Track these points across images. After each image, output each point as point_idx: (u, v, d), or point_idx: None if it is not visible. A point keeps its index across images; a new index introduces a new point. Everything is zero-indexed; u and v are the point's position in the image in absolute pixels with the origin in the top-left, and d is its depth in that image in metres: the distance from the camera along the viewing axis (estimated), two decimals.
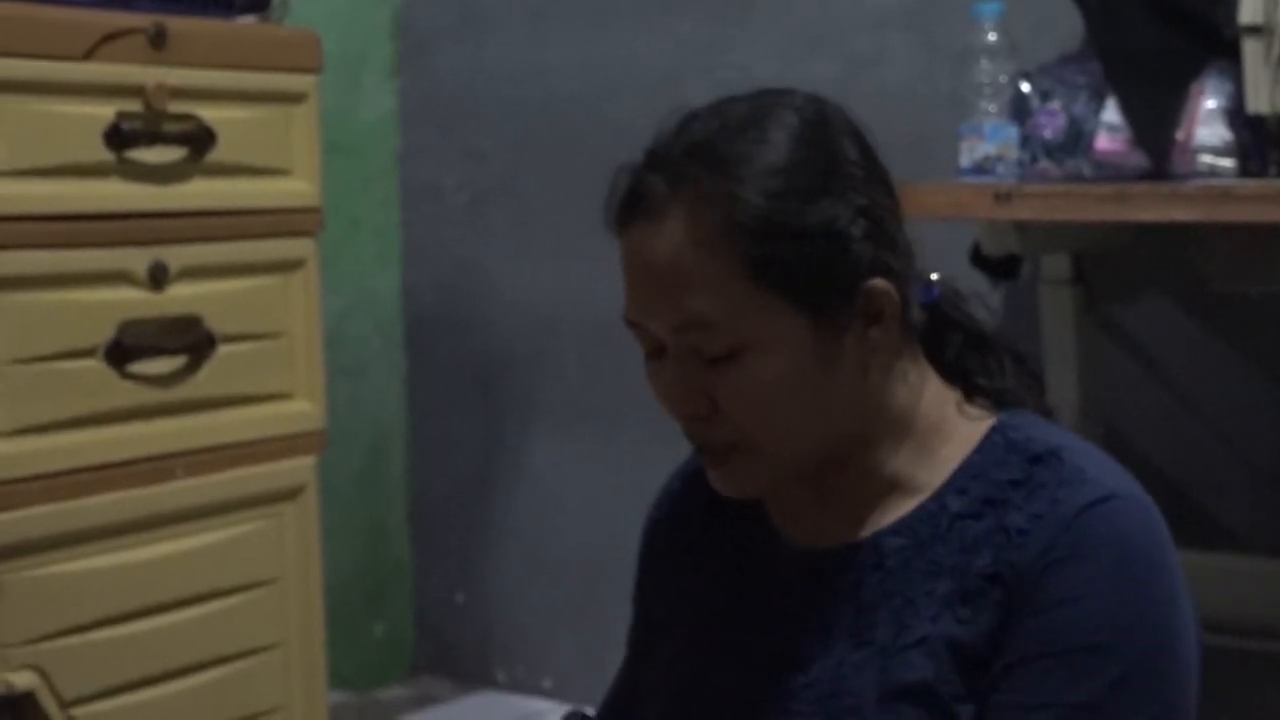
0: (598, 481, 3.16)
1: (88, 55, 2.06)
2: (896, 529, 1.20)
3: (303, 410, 2.33)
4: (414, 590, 3.42)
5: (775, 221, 1.14)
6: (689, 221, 1.14)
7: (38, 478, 2.01)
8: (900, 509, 1.21)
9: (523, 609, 3.29)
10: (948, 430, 1.22)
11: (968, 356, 1.27)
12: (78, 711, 2.04)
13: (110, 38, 2.08)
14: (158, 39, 2.12)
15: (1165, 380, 2.56)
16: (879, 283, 1.17)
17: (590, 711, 1.40)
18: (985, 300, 1.32)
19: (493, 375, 3.30)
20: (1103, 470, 1.18)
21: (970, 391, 1.26)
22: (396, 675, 3.38)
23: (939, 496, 1.20)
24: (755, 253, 1.13)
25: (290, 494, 2.31)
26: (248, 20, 2.34)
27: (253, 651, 2.27)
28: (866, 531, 1.22)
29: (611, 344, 3.09)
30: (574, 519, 3.21)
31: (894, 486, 1.22)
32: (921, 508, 1.20)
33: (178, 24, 2.15)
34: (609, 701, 1.42)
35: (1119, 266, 2.50)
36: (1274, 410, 2.48)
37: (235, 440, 2.24)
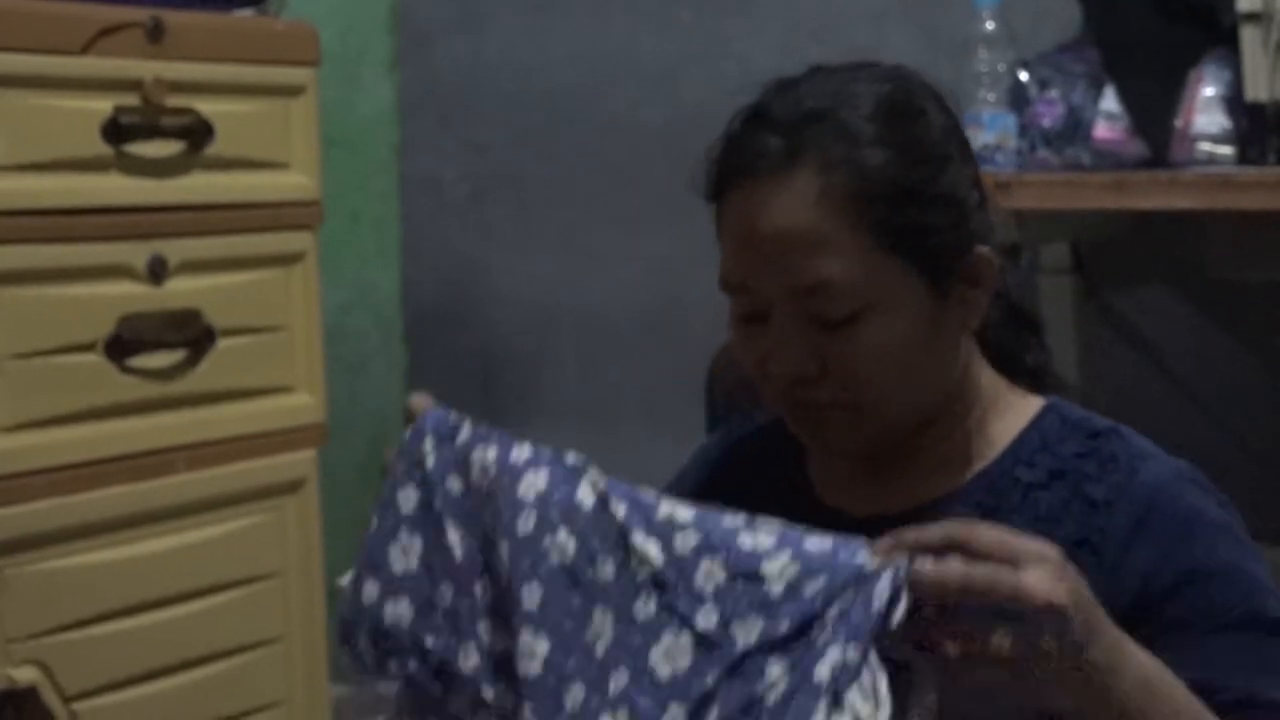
0: None
1: (85, 49, 2.06)
2: (957, 496, 1.22)
3: (303, 404, 2.33)
4: None
5: (906, 188, 1.15)
6: (819, 185, 1.14)
7: (38, 472, 2.01)
8: (955, 480, 1.23)
9: None
10: (1002, 406, 1.25)
11: (1005, 333, 1.30)
12: (80, 706, 2.04)
13: (107, 31, 2.08)
14: (155, 33, 2.12)
15: (1164, 368, 2.56)
16: (986, 250, 1.20)
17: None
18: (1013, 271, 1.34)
19: (493, 369, 3.30)
20: (1159, 450, 1.22)
21: (1008, 371, 1.29)
22: None
23: (1002, 465, 1.22)
24: (885, 218, 1.14)
25: (291, 487, 2.32)
26: (245, 14, 2.34)
27: (254, 645, 2.27)
28: (921, 500, 1.23)
29: (612, 338, 3.10)
30: None
31: (949, 458, 1.24)
32: (983, 475, 1.22)
33: (175, 18, 2.15)
34: None
35: (1118, 255, 2.50)
36: (1274, 397, 2.48)
37: (236, 434, 2.24)
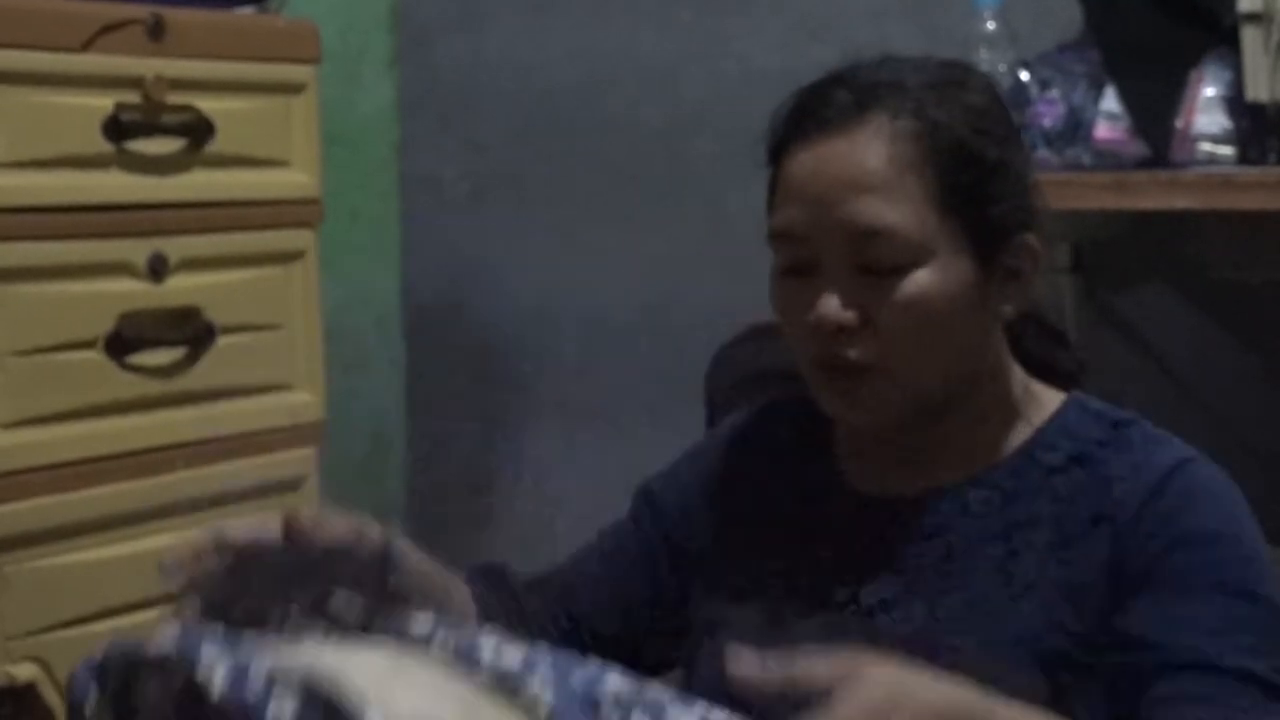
0: (598, 473, 3.15)
1: (86, 46, 2.06)
2: (978, 482, 1.24)
3: (303, 401, 2.33)
4: None
5: (970, 150, 1.20)
6: (889, 133, 1.19)
7: (38, 469, 2.01)
8: (977, 466, 1.25)
9: None
10: (1028, 398, 1.28)
11: (1038, 345, 1.33)
12: None
13: (108, 29, 2.08)
14: (156, 30, 2.12)
15: (1165, 368, 2.56)
16: (1034, 239, 1.24)
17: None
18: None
19: (492, 367, 3.29)
20: (1176, 440, 1.25)
21: (1042, 378, 1.31)
22: None
23: (1024, 451, 1.24)
24: (948, 178, 1.18)
25: (291, 485, 2.31)
26: (246, 11, 2.35)
27: None
28: (944, 483, 1.25)
29: (612, 336, 3.10)
30: (574, 511, 3.21)
31: (973, 446, 1.25)
32: (1005, 463, 1.24)
33: (176, 15, 2.15)
34: (564, 567, 1.43)
35: (1118, 255, 2.50)
36: (1274, 397, 2.48)
37: (235, 432, 2.24)
